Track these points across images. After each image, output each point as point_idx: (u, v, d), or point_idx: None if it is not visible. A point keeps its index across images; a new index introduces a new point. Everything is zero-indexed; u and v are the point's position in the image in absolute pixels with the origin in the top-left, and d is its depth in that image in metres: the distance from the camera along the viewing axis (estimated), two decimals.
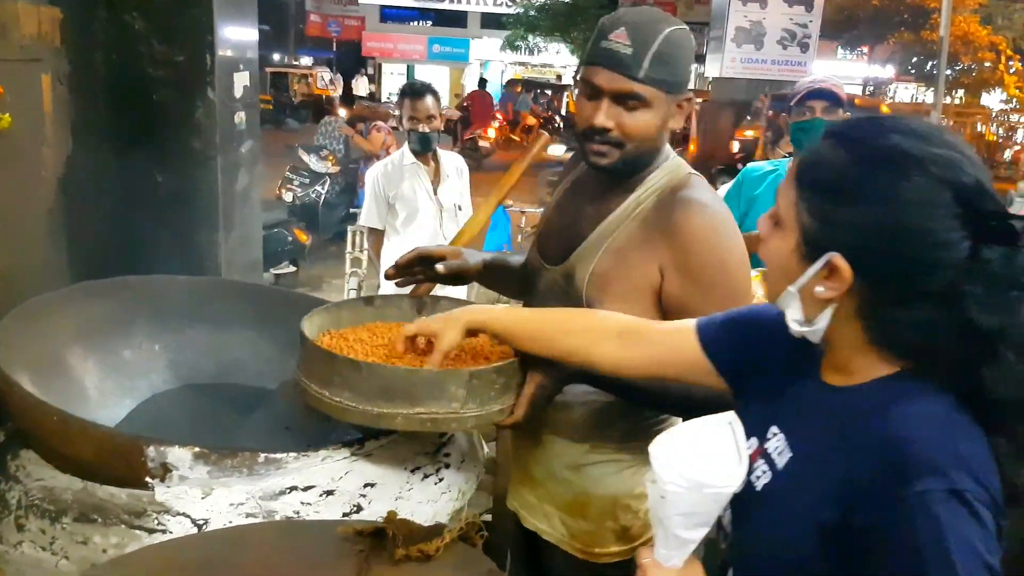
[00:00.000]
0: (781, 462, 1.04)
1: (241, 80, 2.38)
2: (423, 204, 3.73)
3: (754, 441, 1.09)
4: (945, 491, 0.85)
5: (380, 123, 8.47)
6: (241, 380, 1.87)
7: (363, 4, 29.99)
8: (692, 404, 1.45)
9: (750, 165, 3.10)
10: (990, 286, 0.89)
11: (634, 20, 1.45)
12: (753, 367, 1.18)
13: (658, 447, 1.04)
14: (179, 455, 1.29)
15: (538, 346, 1.36)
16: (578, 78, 1.55)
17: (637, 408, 1.59)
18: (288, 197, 7.93)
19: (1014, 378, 0.89)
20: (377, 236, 3.91)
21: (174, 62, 2.21)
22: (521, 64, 30.89)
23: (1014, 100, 23.59)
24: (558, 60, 28.94)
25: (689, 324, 1.27)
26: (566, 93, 23.06)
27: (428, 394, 1.31)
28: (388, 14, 31.40)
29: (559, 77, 30.35)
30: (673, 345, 1.27)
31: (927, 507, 0.84)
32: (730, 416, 1.08)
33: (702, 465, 1.00)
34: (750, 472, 1.05)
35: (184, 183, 2.30)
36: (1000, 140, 21.46)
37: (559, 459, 1.63)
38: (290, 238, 6.76)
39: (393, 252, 3.81)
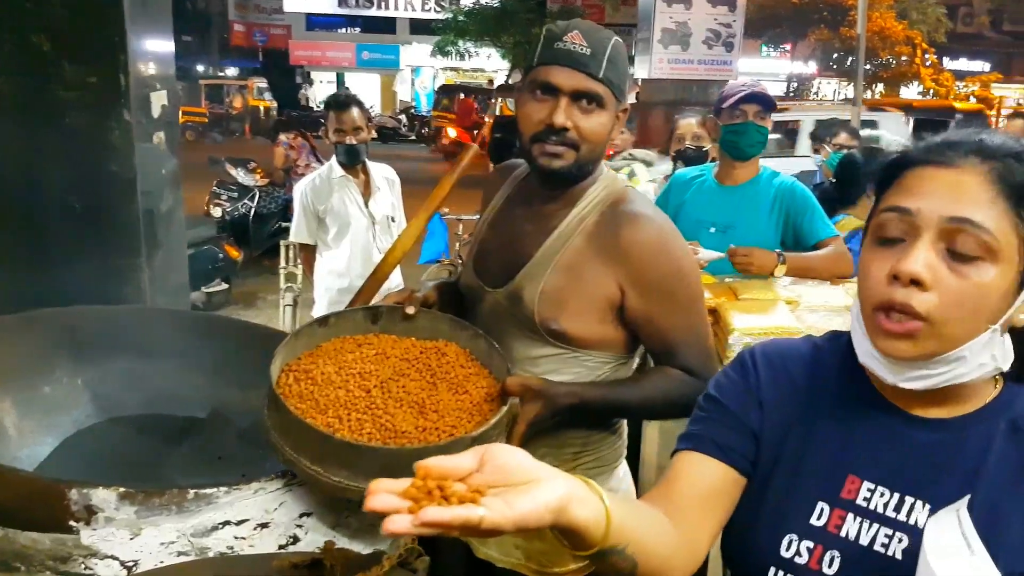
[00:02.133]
0: (918, 519, 0.92)
1: (159, 99, 2.31)
2: (354, 217, 3.69)
3: (823, 507, 0.96)
4: None
5: (282, 137, 8.29)
6: (169, 410, 1.81)
7: (289, 12, 29.63)
8: (675, 409, 1.52)
9: (677, 171, 3.15)
10: None
11: (586, 26, 1.48)
12: (770, 434, 1.02)
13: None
14: (104, 496, 1.24)
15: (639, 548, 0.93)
16: (527, 80, 1.52)
17: (589, 424, 1.60)
18: (217, 212, 7.78)
19: None
20: (309, 251, 3.86)
21: (86, 84, 2.13)
22: (453, 69, 30.87)
23: (930, 92, 24.44)
24: (489, 65, 29.01)
25: (688, 455, 1.05)
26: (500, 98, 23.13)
27: None
28: (315, 22, 31.10)
29: (491, 81, 30.42)
30: (710, 488, 1.02)
31: None
32: (958, 505, 0.89)
33: None
34: (855, 542, 0.94)
35: (101, 208, 2.22)
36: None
37: None
38: (221, 255, 6.63)
39: (326, 267, 3.77)
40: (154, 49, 2.31)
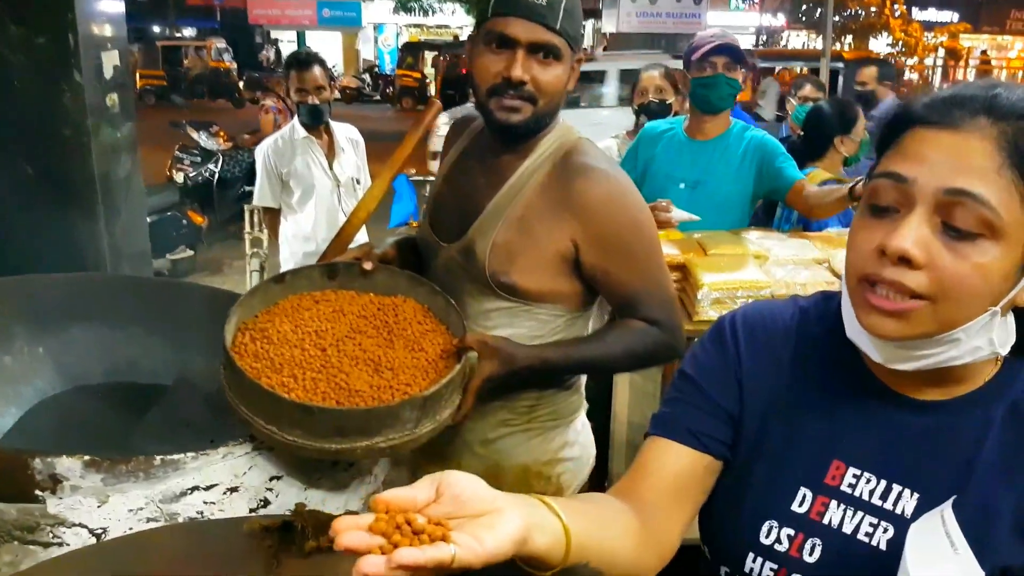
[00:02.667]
0: (905, 508, 0.88)
1: (110, 59, 2.25)
2: (319, 180, 3.64)
3: (805, 493, 0.92)
4: None
5: (267, 103, 8.15)
6: (134, 378, 1.79)
7: None
8: (640, 362, 1.56)
9: (648, 124, 3.12)
10: None
11: None
12: (750, 417, 0.97)
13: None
14: (68, 465, 1.22)
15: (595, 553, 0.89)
16: (482, 32, 1.49)
17: (543, 380, 1.60)
18: (179, 178, 7.63)
19: None
20: (273, 215, 3.80)
21: (34, 45, 2.06)
22: (416, 26, 30.37)
23: (900, 43, 24.49)
24: (454, 20, 28.58)
25: (659, 442, 0.99)
26: (462, 56, 22.81)
27: (384, 424, 1.28)
28: None
29: (456, 38, 29.99)
30: (677, 475, 0.98)
31: None
32: (942, 507, 0.83)
33: None
34: (838, 530, 0.90)
35: (56, 173, 2.17)
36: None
37: (469, 435, 1.63)
38: (184, 221, 6.53)
39: (291, 231, 3.72)
40: (104, 8, 2.24)
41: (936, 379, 0.87)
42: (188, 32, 29.24)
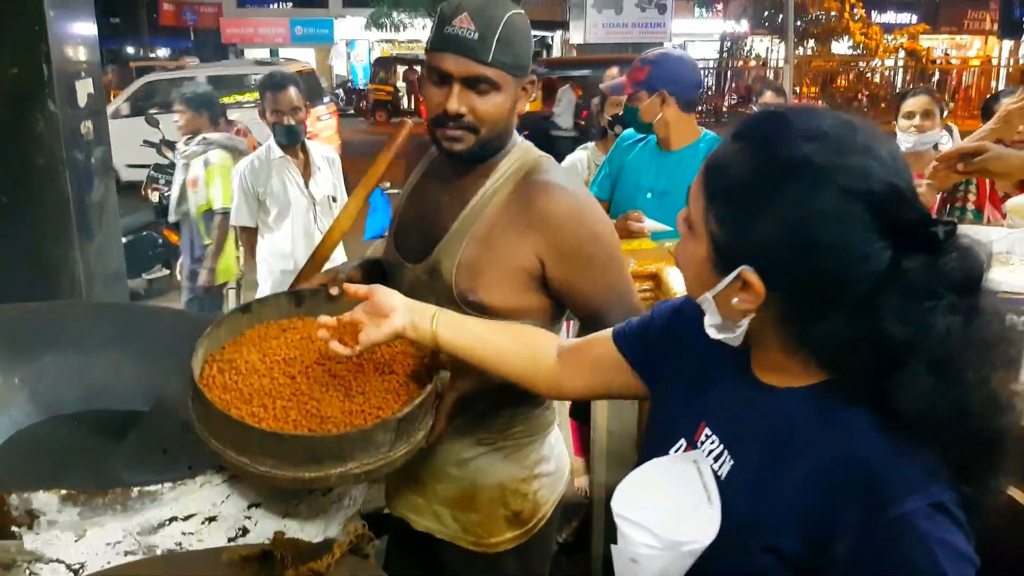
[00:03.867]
0: (723, 471, 0.98)
1: (84, 88, 2.24)
2: (295, 199, 3.65)
3: (682, 442, 1.06)
4: (928, 506, 0.82)
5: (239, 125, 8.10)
6: (110, 405, 1.77)
7: None
8: None
9: (624, 132, 3.14)
10: (906, 296, 0.84)
11: (476, 5, 1.44)
12: (672, 363, 1.15)
13: (622, 504, 1.00)
14: (45, 500, 1.22)
15: (486, 349, 1.33)
16: (426, 64, 1.53)
17: (516, 396, 1.61)
18: (155, 197, 7.55)
19: (921, 392, 0.84)
20: (250, 234, 3.80)
21: (7, 75, 2.05)
22: (388, 41, 30.38)
23: (860, 46, 24.79)
24: (424, 35, 28.55)
25: (607, 333, 1.28)
26: None
27: (357, 449, 1.28)
28: None
29: None
30: (597, 356, 1.27)
31: (914, 526, 0.81)
32: (695, 455, 1.02)
33: (675, 519, 0.94)
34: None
35: (30, 202, 2.16)
36: (851, 85, 22.60)
37: (444, 456, 1.63)
38: (160, 240, 6.48)
39: (269, 249, 3.72)
40: (77, 36, 2.24)
41: (769, 366, 0.99)
42: (162, 52, 29.05)
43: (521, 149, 1.60)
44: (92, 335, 1.81)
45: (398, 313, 1.30)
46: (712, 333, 0.99)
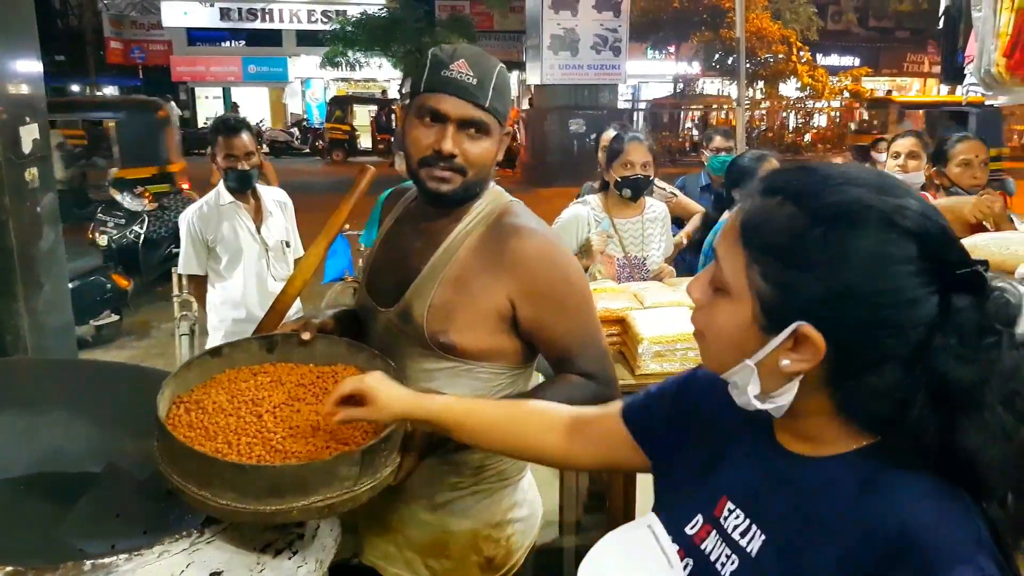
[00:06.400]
0: (752, 547, 0.94)
1: (29, 134, 2.17)
2: (247, 245, 3.57)
3: (699, 519, 1.02)
4: None
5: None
6: (61, 467, 1.69)
7: (168, 28, 28.60)
8: None
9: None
10: (963, 336, 0.82)
11: (471, 54, 1.51)
12: (682, 439, 1.12)
13: (587, 573, 1.01)
14: None
15: (488, 440, 1.33)
16: (415, 105, 1.55)
17: None
18: (103, 241, 7.41)
19: (1001, 429, 0.81)
20: (199, 283, 3.71)
21: None
22: (344, 80, 30.45)
23: (807, 88, 25.55)
24: (380, 74, 28.72)
25: (614, 407, 1.25)
26: (394, 107, 22.95)
27: (321, 482, 1.25)
28: (197, 36, 30.10)
29: (384, 92, 30.13)
30: (605, 431, 1.24)
31: None
32: (648, 519, 1.04)
33: None
34: (707, 555, 0.98)
35: None
36: (800, 125, 23.32)
37: (415, 502, 1.61)
38: (109, 285, 6.34)
39: (220, 298, 3.63)
40: (20, 81, 2.17)
41: (801, 436, 0.95)
42: (110, 91, 28.71)
43: (493, 193, 1.63)
44: (40, 394, 1.74)
45: (404, 419, 1.35)
46: (754, 404, 0.92)
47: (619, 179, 3.33)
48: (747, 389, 0.92)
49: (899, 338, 0.83)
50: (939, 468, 0.84)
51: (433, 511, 1.62)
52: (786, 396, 0.90)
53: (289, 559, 1.39)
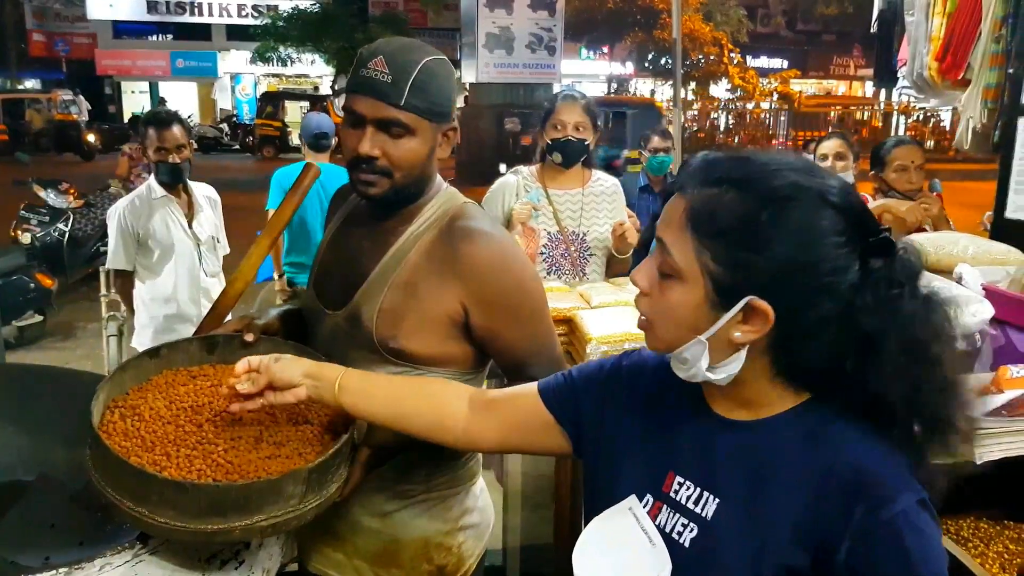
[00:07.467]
0: (708, 511, 1.01)
1: None
2: (178, 239, 3.51)
3: (648, 499, 1.08)
4: (917, 502, 0.91)
5: (125, 147, 7.92)
6: None
7: (93, 20, 27.73)
8: None
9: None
10: (876, 292, 0.93)
11: (392, 50, 1.44)
12: (613, 421, 1.17)
13: (579, 568, 1.04)
14: None
15: (390, 411, 1.30)
16: (342, 107, 1.51)
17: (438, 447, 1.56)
18: (26, 239, 7.13)
19: (896, 371, 0.93)
20: (126, 279, 3.61)
21: None
22: (275, 76, 29.95)
23: (739, 89, 26.13)
24: (313, 70, 28.34)
25: (532, 387, 1.27)
26: (326, 103, 22.64)
27: (265, 500, 1.20)
28: (123, 29, 29.31)
29: (316, 88, 29.74)
30: (518, 410, 1.26)
31: (911, 522, 0.90)
32: (629, 502, 1.07)
33: (626, 569, 1.01)
34: (663, 530, 1.04)
35: None
36: (731, 126, 23.81)
37: (364, 510, 1.57)
38: (32, 284, 6.10)
39: (150, 294, 3.55)
40: None
41: (739, 403, 1.04)
42: (32, 84, 27.71)
43: (446, 194, 1.57)
44: None
45: (301, 388, 1.29)
46: (704, 375, 1.00)
47: (549, 141, 2.94)
48: (698, 363, 0.99)
49: (833, 301, 0.93)
50: (864, 413, 0.97)
51: (382, 519, 1.57)
52: (735, 364, 0.99)
53: (235, 569, 1.35)
